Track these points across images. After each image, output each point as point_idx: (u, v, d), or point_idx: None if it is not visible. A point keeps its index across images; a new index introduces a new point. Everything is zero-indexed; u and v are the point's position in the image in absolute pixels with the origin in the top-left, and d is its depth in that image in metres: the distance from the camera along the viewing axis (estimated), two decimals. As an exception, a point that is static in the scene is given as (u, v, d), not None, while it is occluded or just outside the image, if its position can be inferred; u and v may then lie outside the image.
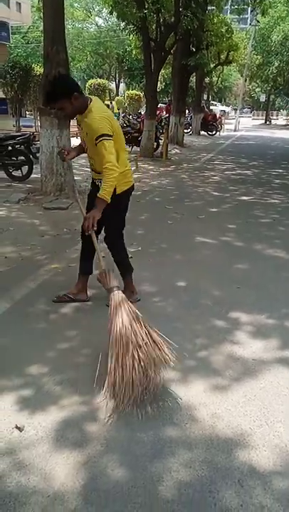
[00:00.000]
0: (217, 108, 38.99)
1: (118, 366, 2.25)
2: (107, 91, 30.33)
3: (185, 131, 17.90)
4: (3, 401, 2.30)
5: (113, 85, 38.76)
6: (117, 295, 2.57)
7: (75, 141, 6.47)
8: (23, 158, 7.93)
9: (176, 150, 14.58)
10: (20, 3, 27.19)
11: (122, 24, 12.79)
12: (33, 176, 7.98)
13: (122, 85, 40.73)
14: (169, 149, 12.84)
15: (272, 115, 44.98)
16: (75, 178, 7.56)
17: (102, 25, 39.05)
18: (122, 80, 41.07)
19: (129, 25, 12.10)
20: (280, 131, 30.55)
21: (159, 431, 2.12)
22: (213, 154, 14.65)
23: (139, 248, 4.68)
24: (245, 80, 33.12)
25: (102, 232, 3.27)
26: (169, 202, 7.17)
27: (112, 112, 23.57)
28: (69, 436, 2.08)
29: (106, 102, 26.98)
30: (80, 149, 3.30)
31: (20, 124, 15.08)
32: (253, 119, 47.07)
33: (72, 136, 7.60)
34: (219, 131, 23.22)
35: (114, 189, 3.02)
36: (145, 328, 2.39)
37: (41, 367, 2.59)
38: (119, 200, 3.12)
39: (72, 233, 5.07)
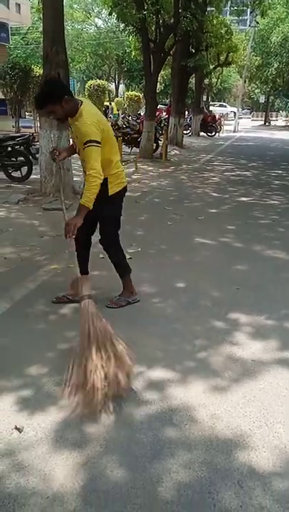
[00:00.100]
0: (226, 109, 38.85)
1: (81, 371, 2.28)
2: (106, 92, 30.34)
3: (184, 132, 17.91)
4: (3, 402, 2.29)
5: (113, 86, 38.78)
6: (87, 304, 2.55)
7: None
8: (22, 159, 7.93)
9: (176, 151, 14.59)
10: (19, 4, 27.18)
11: (122, 25, 12.80)
12: (32, 176, 7.98)
13: (121, 86, 40.76)
14: (168, 150, 12.85)
15: (271, 116, 44.99)
16: (75, 179, 7.55)
17: (102, 26, 39.10)
18: (121, 81, 41.12)
19: (128, 27, 12.11)
20: (279, 132, 30.56)
21: (158, 432, 2.12)
22: (212, 155, 14.65)
23: (139, 249, 4.68)
24: (245, 81, 33.14)
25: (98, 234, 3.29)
26: (168, 203, 7.18)
27: (112, 112, 23.67)
28: (68, 437, 2.08)
29: (105, 103, 27.07)
30: (72, 150, 3.30)
31: (20, 124, 15.10)
32: (253, 120, 47.08)
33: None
34: (218, 132, 23.23)
35: (107, 190, 3.04)
36: (111, 339, 2.41)
37: (41, 367, 2.59)
38: (112, 201, 3.13)
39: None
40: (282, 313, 3.37)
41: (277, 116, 49.53)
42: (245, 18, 28.88)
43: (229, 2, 17.15)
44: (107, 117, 23.77)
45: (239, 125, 29.94)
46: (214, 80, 29.25)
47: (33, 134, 9.24)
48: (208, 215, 6.51)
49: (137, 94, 30.77)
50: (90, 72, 40.97)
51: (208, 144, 19.02)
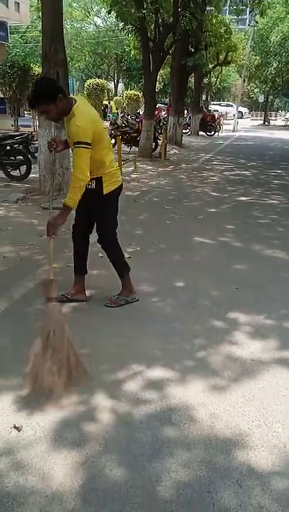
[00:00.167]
0: (234, 109, 38.95)
1: (37, 364, 2.35)
2: (105, 91, 30.30)
3: (184, 131, 17.90)
4: (2, 401, 2.29)
5: (112, 85, 38.73)
6: (53, 307, 2.57)
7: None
8: (21, 157, 7.92)
9: (175, 150, 14.58)
10: (18, 3, 27.17)
11: (121, 24, 12.78)
12: (31, 175, 7.96)
13: (120, 85, 40.74)
14: (167, 149, 12.84)
15: (270, 116, 44.98)
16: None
17: (101, 25, 39.06)
18: (120, 80, 41.08)
19: (127, 25, 12.08)
20: (278, 131, 30.55)
21: (157, 431, 2.12)
22: (211, 155, 14.65)
23: (138, 248, 4.68)
24: (244, 81, 33.11)
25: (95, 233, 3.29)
26: (167, 202, 7.17)
27: (111, 111, 23.64)
28: (67, 436, 2.08)
29: (104, 102, 27.05)
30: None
31: (19, 123, 15.09)
32: (252, 119, 47.06)
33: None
34: (218, 131, 23.22)
35: (102, 189, 3.04)
36: (68, 343, 2.43)
37: (40, 367, 2.59)
38: (106, 200, 3.12)
39: (71, 233, 5.05)
40: (282, 313, 3.37)
41: (276, 116, 49.52)
42: (245, 17, 28.89)
43: (228, 1, 17.15)
44: (106, 116, 23.80)
45: (238, 124, 29.92)
46: (213, 79, 29.21)
47: (32, 132, 9.25)
48: (208, 214, 6.51)
49: (136, 93, 30.75)
50: (89, 71, 40.93)
51: (207, 143, 19.01)
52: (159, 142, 12.83)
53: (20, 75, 14.56)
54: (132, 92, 31.65)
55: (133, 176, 9.54)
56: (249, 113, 50.70)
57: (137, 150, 12.41)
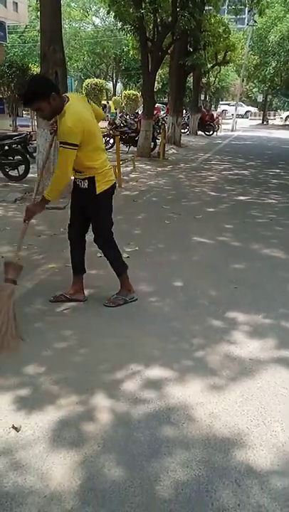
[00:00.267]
0: (243, 108, 38.79)
1: None
2: (104, 91, 30.32)
3: (182, 131, 17.90)
4: (0, 401, 2.29)
5: (110, 85, 38.74)
6: (7, 287, 2.94)
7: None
8: (19, 157, 7.91)
9: (174, 150, 14.58)
10: (17, 3, 27.10)
11: (119, 24, 12.76)
12: (29, 175, 7.96)
13: (119, 85, 40.74)
14: (166, 149, 12.83)
15: (269, 115, 44.96)
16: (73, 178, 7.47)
17: (99, 24, 39.11)
18: (119, 80, 41.09)
19: (126, 25, 12.07)
20: (277, 131, 30.57)
21: (156, 430, 2.12)
22: (210, 154, 14.65)
23: (136, 248, 4.68)
24: (243, 80, 33.15)
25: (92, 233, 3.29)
26: (166, 202, 7.17)
27: (109, 111, 23.63)
28: (66, 436, 2.08)
29: (103, 102, 27.05)
30: None
31: (17, 123, 15.06)
32: (251, 119, 47.06)
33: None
34: (216, 131, 23.23)
35: (95, 189, 3.03)
36: (8, 315, 2.83)
37: (38, 366, 2.59)
38: (100, 200, 3.10)
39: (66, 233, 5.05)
40: (280, 312, 3.37)
41: (275, 116, 49.52)
42: (243, 16, 28.96)
43: (227, 1, 17.13)
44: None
45: (237, 124, 29.93)
46: (212, 79, 29.22)
47: (30, 132, 9.23)
48: (206, 213, 6.51)
49: (134, 92, 30.74)
50: (88, 71, 40.96)
51: (205, 142, 19.01)
52: (158, 142, 12.83)
53: (18, 75, 14.53)
54: (131, 91, 31.63)
55: (132, 175, 9.54)
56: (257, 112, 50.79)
57: (136, 150, 12.41)
